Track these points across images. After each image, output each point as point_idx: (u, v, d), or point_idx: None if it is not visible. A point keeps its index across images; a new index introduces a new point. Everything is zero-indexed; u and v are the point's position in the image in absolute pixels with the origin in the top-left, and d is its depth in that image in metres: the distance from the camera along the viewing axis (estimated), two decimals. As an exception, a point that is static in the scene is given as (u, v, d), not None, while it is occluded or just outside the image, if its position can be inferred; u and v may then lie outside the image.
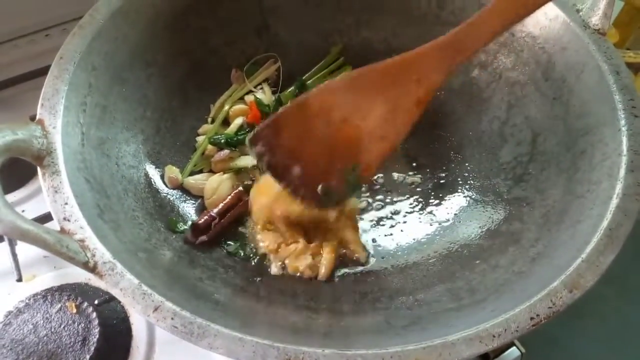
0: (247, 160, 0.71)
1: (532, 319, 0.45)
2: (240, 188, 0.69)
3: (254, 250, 0.66)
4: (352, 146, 0.56)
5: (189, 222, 0.66)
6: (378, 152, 0.56)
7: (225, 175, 0.70)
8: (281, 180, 0.57)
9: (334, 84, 0.56)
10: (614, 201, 0.52)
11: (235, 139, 0.72)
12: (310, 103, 0.55)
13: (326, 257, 0.63)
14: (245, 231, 0.67)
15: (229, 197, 0.68)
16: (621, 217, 0.50)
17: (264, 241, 0.65)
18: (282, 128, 0.55)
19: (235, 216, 0.67)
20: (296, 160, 0.56)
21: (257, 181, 0.68)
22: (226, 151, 0.72)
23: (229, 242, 0.66)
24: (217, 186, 0.69)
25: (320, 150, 0.56)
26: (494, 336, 0.44)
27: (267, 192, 0.63)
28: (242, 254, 0.65)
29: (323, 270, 0.63)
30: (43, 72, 0.57)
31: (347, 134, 0.55)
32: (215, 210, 0.66)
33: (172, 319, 0.44)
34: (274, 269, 0.63)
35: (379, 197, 0.72)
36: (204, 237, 0.64)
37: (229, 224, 0.67)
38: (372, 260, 0.65)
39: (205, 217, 0.65)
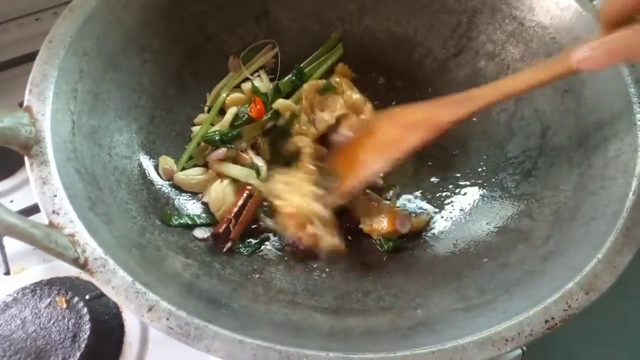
0: (241, 172, 0.68)
1: (547, 322, 0.43)
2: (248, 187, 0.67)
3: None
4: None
5: (185, 216, 0.63)
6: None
7: (226, 182, 0.67)
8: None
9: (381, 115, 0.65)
10: (631, 198, 0.50)
11: (229, 135, 0.70)
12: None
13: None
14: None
15: (240, 198, 0.65)
16: (639, 215, 0.48)
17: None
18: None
19: (253, 210, 0.66)
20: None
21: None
22: (223, 149, 0.69)
23: (248, 240, 0.64)
24: (222, 196, 0.66)
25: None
26: (507, 340, 0.42)
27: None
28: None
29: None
30: (33, 57, 0.54)
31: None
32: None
33: (167, 319, 0.42)
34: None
35: (385, 194, 0.70)
36: (229, 244, 0.62)
37: (250, 220, 0.65)
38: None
39: (224, 225, 0.63)
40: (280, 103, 0.73)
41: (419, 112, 0.60)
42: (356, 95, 0.71)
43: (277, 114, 0.72)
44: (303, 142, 0.70)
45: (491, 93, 0.56)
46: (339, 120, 0.70)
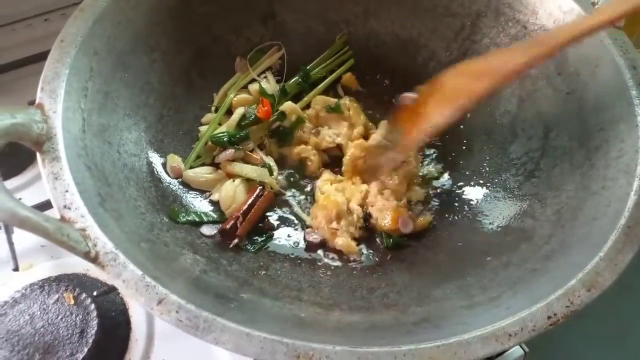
0: (254, 171, 0.69)
1: (549, 317, 0.44)
2: (259, 186, 0.68)
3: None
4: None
5: (192, 214, 0.64)
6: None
7: (237, 181, 0.68)
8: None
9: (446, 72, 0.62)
10: (632, 198, 0.51)
11: (237, 136, 0.71)
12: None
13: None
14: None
15: (251, 197, 0.67)
16: (640, 214, 0.49)
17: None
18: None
19: (262, 209, 0.67)
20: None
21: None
22: (231, 150, 0.70)
23: (255, 238, 0.65)
24: (233, 194, 0.67)
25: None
26: (510, 335, 0.43)
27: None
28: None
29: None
30: (41, 57, 0.55)
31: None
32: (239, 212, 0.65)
33: (176, 312, 0.43)
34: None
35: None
36: (235, 240, 0.63)
37: (258, 219, 0.66)
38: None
39: (232, 221, 0.64)
40: (287, 105, 0.74)
41: (483, 63, 0.59)
42: (360, 125, 0.74)
43: (283, 115, 0.74)
44: (307, 153, 0.72)
45: (560, 35, 0.55)
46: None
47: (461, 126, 0.74)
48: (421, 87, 0.65)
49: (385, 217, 0.66)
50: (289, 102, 0.75)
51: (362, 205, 0.68)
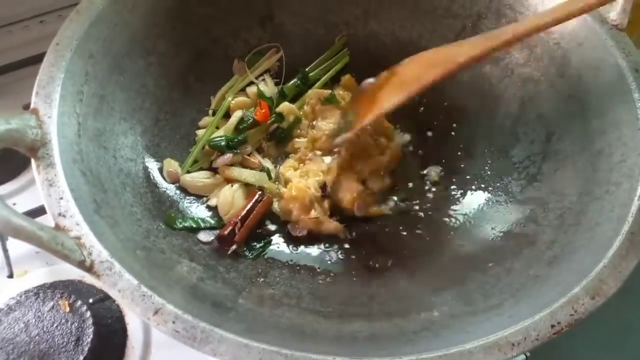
0: (253, 176, 0.69)
1: (553, 326, 0.43)
2: (258, 192, 0.67)
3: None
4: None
5: (189, 220, 0.63)
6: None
7: (236, 186, 0.68)
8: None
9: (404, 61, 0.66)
10: (636, 203, 0.50)
11: (236, 140, 0.70)
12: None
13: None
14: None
15: (249, 202, 0.66)
16: (644, 220, 0.48)
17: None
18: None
19: (261, 214, 0.66)
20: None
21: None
22: (229, 155, 0.69)
23: (253, 244, 0.64)
24: (231, 200, 0.66)
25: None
26: (513, 345, 0.42)
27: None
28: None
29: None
30: (37, 59, 0.54)
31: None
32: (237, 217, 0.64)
33: (173, 322, 0.42)
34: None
35: (389, 197, 0.70)
36: (233, 247, 0.62)
37: (255, 224, 0.65)
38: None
39: (230, 227, 0.63)
40: (284, 106, 0.73)
41: (436, 54, 0.62)
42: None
43: (280, 116, 0.73)
44: (300, 143, 0.73)
45: (502, 35, 0.57)
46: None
47: (462, 134, 0.73)
48: (380, 74, 0.68)
49: (345, 194, 0.67)
50: (286, 103, 0.74)
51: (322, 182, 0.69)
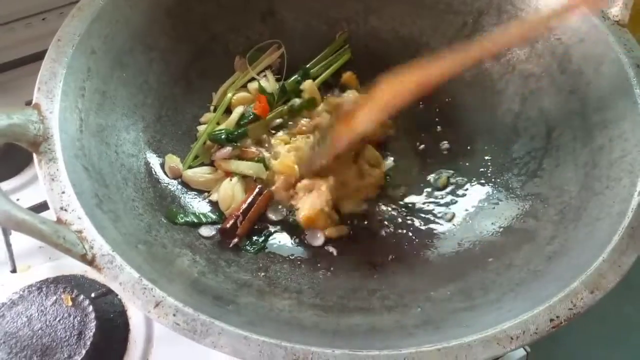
0: (249, 168, 0.69)
1: (551, 320, 0.43)
2: (259, 185, 0.68)
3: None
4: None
5: (191, 214, 0.64)
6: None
7: (235, 180, 0.68)
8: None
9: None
10: (636, 198, 0.50)
11: (235, 133, 0.70)
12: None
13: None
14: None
15: (250, 196, 0.66)
16: (644, 215, 0.48)
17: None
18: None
19: (262, 207, 0.66)
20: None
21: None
22: (228, 148, 0.69)
23: (254, 238, 0.64)
24: (232, 193, 0.66)
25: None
26: (512, 338, 0.42)
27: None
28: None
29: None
30: (39, 56, 0.55)
31: None
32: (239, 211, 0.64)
33: (174, 315, 0.42)
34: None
35: (391, 193, 0.70)
36: (235, 240, 0.62)
37: (257, 217, 0.65)
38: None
39: (232, 220, 0.63)
40: (307, 83, 0.75)
41: (409, 75, 0.60)
42: None
43: (297, 93, 0.75)
44: (305, 124, 0.74)
45: (471, 51, 0.57)
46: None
47: (463, 130, 0.73)
48: (361, 95, 0.70)
49: (302, 213, 0.65)
50: (310, 81, 0.75)
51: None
